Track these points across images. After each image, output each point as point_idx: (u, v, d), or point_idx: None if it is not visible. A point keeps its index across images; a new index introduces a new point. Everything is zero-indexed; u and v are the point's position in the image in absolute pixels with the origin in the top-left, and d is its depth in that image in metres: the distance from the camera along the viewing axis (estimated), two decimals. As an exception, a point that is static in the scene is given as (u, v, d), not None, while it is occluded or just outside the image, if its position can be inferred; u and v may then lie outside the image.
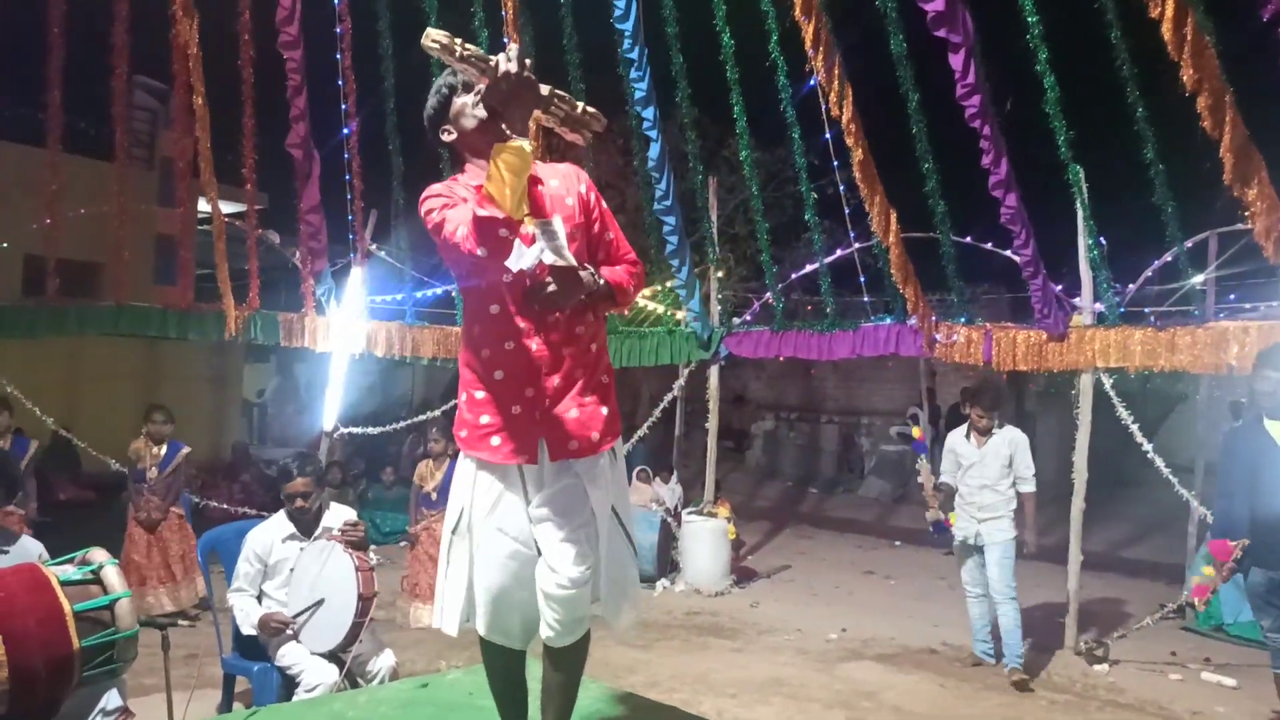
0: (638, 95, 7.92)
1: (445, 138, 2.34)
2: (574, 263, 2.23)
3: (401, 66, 8.95)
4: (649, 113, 7.93)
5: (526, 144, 2.03)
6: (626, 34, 7.75)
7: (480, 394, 2.33)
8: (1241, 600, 7.14)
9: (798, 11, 6.97)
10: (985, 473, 6.13)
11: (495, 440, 2.30)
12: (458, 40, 2.06)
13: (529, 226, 2.19)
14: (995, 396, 6.41)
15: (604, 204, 2.43)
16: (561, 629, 2.32)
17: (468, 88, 2.28)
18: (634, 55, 7.79)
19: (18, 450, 6.65)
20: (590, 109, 2.24)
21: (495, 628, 2.37)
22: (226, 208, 10.05)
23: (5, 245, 9.98)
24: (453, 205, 2.22)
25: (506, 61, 2.02)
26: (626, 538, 2.43)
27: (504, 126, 2.06)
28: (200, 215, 10.35)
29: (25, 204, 9.69)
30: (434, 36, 2.05)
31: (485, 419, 2.32)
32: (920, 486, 6.73)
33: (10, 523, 6.25)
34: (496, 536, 2.31)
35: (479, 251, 2.07)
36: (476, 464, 2.35)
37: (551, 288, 2.21)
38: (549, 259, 2.18)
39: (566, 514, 2.30)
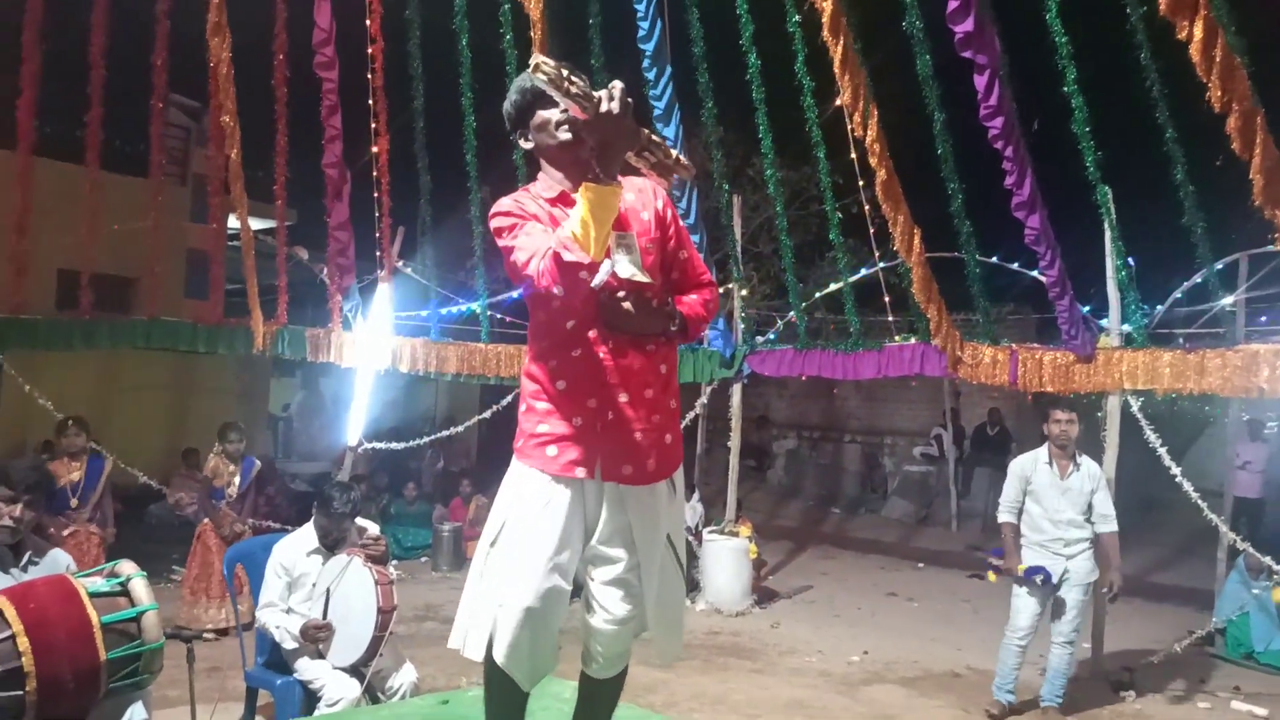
0: (656, 113, 7.97)
1: (522, 144, 2.31)
2: (648, 279, 2.19)
3: (431, 86, 9.07)
4: (669, 130, 7.97)
5: (619, 189, 2.01)
6: (648, 54, 7.82)
7: (541, 404, 2.24)
8: (1273, 628, 7.02)
9: (825, 31, 7.00)
10: (1073, 503, 5.62)
11: (551, 450, 2.20)
12: (565, 70, 1.98)
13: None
14: (1071, 402, 5.85)
15: (680, 222, 2.37)
16: (605, 662, 2.32)
17: (554, 101, 2.17)
18: (651, 75, 7.85)
19: (93, 471, 6.57)
20: (682, 158, 2.21)
21: (512, 656, 2.20)
22: (257, 224, 10.18)
23: (39, 259, 10.14)
24: (524, 225, 2.16)
25: (609, 101, 1.97)
26: (679, 568, 2.37)
27: (595, 165, 2.00)
28: (230, 231, 10.50)
29: (60, 219, 9.88)
30: (544, 69, 1.96)
31: (543, 428, 2.22)
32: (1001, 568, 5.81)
33: (91, 545, 6.34)
34: (533, 556, 2.17)
35: (555, 290, 2.02)
36: (526, 474, 2.24)
37: (626, 305, 2.17)
38: (625, 271, 2.13)
39: (619, 557, 2.24)
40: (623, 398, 2.19)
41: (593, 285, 2.04)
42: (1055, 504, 5.62)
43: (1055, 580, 5.61)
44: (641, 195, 2.32)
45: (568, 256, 1.97)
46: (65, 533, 6.24)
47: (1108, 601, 6.08)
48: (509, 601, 2.17)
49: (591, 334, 2.19)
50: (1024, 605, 5.70)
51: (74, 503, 6.42)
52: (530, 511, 2.20)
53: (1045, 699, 5.78)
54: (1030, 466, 5.75)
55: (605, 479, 2.20)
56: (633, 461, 2.20)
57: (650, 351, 2.24)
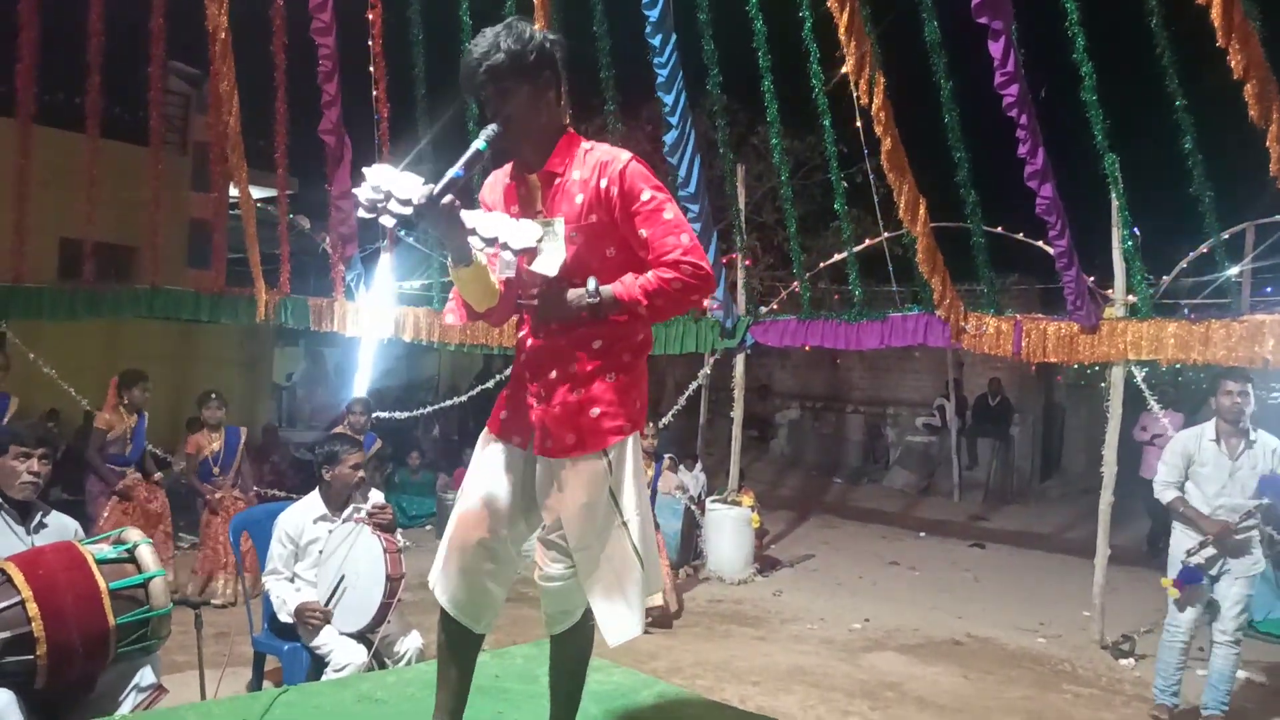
0: (660, 80, 7.87)
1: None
2: (545, 270, 2.19)
3: (432, 53, 8.98)
4: (669, 98, 7.87)
5: (477, 268, 2.24)
6: (652, 19, 7.71)
7: (514, 374, 2.44)
8: (1272, 597, 7.07)
9: (830, -3, 6.89)
10: (1242, 485, 4.94)
11: (504, 415, 2.39)
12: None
13: (536, 225, 2.21)
14: (1244, 372, 5.12)
15: (644, 197, 2.20)
16: (549, 619, 2.40)
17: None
18: (656, 41, 7.75)
19: (139, 431, 6.89)
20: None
21: (444, 591, 2.36)
22: (258, 193, 10.12)
23: (40, 228, 10.12)
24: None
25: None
26: (631, 548, 2.29)
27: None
28: (232, 199, 10.46)
29: (62, 188, 9.83)
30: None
31: (507, 393, 2.42)
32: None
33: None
34: (473, 509, 2.34)
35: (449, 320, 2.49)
36: (486, 434, 2.41)
37: (534, 299, 2.25)
38: (504, 272, 2.25)
39: (553, 523, 2.31)
40: (555, 375, 2.28)
41: (507, 276, 2.27)
42: (1218, 487, 4.99)
43: (1214, 573, 5.06)
44: (586, 174, 2.24)
45: (448, 319, 2.48)
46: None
47: None
48: (448, 548, 2.37)
49: (529, 318, 2.37)
50: (1190, 604, 5.18)
51: (127, 448, 6.79)
52: (478, 467, 2.39)
53: (1208, 706, 5.13)
54: (1194, 444, 5.11)
55: (536, 451, 2.32)
56: (555, 437, 2.28)
57: (582, 332, 2.26)
